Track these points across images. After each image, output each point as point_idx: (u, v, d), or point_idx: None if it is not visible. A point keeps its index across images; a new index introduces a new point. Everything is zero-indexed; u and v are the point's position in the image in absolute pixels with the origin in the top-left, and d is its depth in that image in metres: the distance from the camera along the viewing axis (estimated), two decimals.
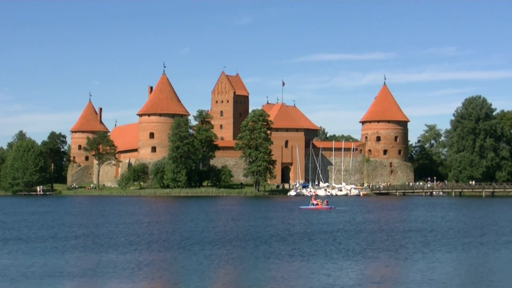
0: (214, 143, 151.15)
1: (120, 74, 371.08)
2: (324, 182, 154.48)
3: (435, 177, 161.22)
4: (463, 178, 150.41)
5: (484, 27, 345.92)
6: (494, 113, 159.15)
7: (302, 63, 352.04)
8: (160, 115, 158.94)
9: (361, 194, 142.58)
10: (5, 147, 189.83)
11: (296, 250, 40.59)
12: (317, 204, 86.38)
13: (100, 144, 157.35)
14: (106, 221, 63.95)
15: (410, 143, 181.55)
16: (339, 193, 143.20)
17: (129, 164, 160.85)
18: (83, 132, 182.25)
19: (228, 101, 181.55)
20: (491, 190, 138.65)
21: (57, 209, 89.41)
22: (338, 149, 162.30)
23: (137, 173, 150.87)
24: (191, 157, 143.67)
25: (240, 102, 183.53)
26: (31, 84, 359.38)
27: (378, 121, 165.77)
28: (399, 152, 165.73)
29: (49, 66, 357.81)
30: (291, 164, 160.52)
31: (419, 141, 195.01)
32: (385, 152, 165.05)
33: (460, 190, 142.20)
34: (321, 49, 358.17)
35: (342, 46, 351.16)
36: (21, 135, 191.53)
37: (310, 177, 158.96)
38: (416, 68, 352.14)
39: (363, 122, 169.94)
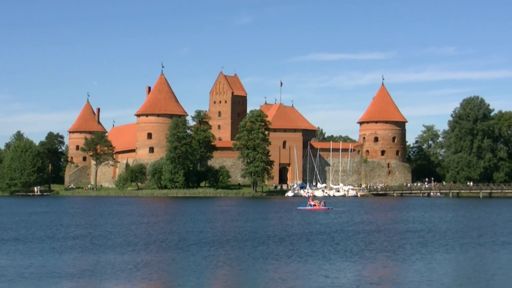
0: (212, 143, 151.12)
1: (118, 74, 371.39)
2: (322, 183, 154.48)
3: (432, 178, 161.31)
4: (461, 179, 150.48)
5: (484, 27, 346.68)
6: (492, 114, 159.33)
7: (300, 63, 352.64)
8: (158, 115, 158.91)
9: (358, 195, 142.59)
10: (2, 147, 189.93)
11: (294, 251, 40.59)
12: (314, 205, 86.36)
13: (98, 144, 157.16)
14: (103, 222, 63.89)
15: (408, 143, 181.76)
16: (337, 194, 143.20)
17: (127, 165, 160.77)
18: (81, 132, 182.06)
19: (226, 102, 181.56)
20: (489, 191, 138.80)
21: (55, 209, 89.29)
22: (336, 150, 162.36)
23: (135, 174, 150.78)
24: (189, 158, 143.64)
25: (238, 102, 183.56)
26: (29, 84, 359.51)
27: (376, 122, 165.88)
28: (397, 152, 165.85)
29: (47, 66, 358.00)
30: (289, 164, 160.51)
31: (417, 141, 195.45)
32: (383, 152, 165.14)
33: (458, 191, 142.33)
34: (319, 49, 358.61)
35: (340, 46, 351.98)
36: (18, 135, 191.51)
37: (308, 177, 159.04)
38: (415, 68, 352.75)
39: (361, 123, 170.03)
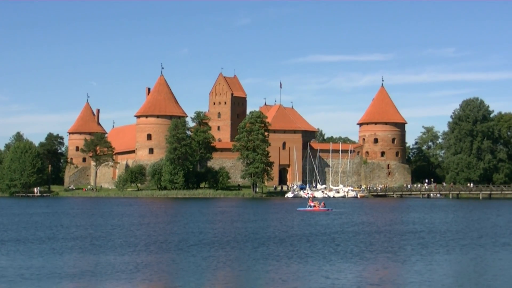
0: (212, 144, 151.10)
1: (118, 75, 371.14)
2: (322, 184, 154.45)
3: (432, 179, 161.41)
4: (461, 180, 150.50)
5: (483, 28, 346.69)
6: (491, 115, 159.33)
7: (300, 64, 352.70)
8: (158, 116, 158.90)
9: (358, 196, 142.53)
10: (2, 148, 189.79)
11: (294, 252, 40.59)
12: (314, 206, 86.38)
13: (98, 145, 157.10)
14: (104, 223, 63.88)
15: (407, 145, 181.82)
16: (337, 195, 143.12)
17: (127, 166, 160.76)
18: (80, 133, 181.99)
19: (225, 103, 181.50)
20: (489, 192, 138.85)
21: (55, 210, 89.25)
22: (335, 151, 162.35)
23: (135, 175, 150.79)
24: (189, 159, 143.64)
25: (238, 103, 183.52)
26: (28, 85, 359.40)
27: (376, 123, 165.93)
28: (397, 154, 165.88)
29: (46, 67, 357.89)
30: (288, 166, 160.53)
31: (416, 143, 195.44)
32: (382, 154, 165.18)
33: (458, 192, 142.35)
34: (318, 50, 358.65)
35: (340, 47, 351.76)
36: (18, 136, 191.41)
37: (308, 179, 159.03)
38: (414, 69, 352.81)
39: (360, 124, 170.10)
